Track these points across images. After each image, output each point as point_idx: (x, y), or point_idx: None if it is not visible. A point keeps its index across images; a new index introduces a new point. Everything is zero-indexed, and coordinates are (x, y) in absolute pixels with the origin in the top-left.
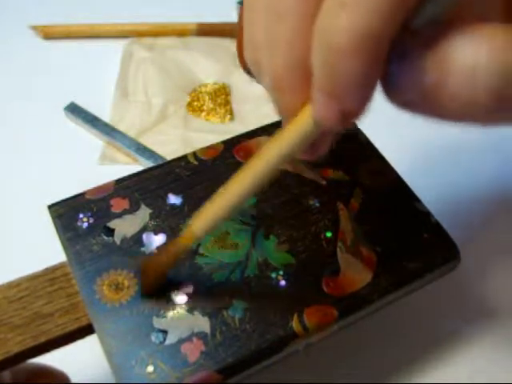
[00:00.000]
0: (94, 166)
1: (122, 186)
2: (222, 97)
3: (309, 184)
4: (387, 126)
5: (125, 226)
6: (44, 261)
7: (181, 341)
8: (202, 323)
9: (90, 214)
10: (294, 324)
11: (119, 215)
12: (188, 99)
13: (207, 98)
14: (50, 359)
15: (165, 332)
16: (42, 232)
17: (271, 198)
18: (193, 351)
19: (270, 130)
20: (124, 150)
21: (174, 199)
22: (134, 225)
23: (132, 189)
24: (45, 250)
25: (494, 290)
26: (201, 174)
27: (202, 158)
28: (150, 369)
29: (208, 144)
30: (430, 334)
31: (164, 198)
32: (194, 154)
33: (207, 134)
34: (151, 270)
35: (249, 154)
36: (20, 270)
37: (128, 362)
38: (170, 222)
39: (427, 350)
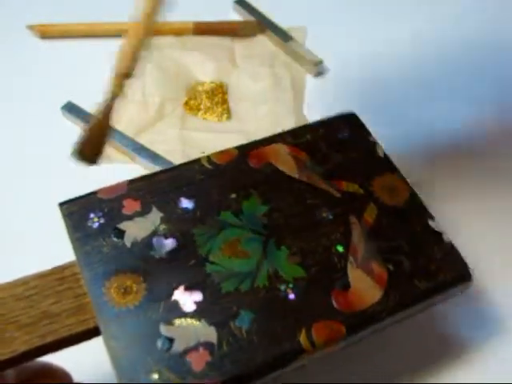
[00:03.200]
0: (92, 165)
1: (135, 187)
2: (219, 95)
3: (322, 195)
4: (405, 139)
5: (135, 229)
6: (48, 259)
7: (187, 349)
8: (209, 333)
9: (101, 213)
10: (302, 339)
11: (130, 217)
12: (185, 98)
13: (204, 96)
14: (53, 357)
15: (171, 339)
16: (41, 231)
17: (284, 208)
18: (198, 361)
19: (285, 137)
20: (121, 149)
21: (186, 203)
22: (144, 228)
23: (144, 190)
24: (45, 248)
25: (505, 305)
26: (214, 178)
27: (216, 162)
28: (155, 376)
29: (205, 142)
30: (435, 346)
31: (176, 201)
32: (208, 157)
33: (204, 132)
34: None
35: (263, 161)
36: (23, 269)
37: (133, 367)
38: (181, 226)
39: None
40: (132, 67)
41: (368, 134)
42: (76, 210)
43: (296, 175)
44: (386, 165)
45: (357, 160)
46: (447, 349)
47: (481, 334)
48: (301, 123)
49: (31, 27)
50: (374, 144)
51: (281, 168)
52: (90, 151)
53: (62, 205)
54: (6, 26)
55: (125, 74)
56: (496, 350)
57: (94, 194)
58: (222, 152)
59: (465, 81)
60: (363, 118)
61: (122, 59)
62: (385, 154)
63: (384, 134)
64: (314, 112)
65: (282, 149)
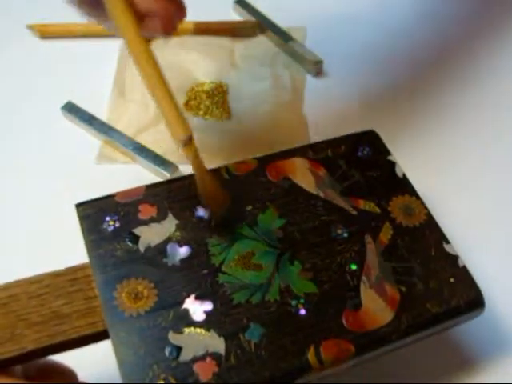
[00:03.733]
0: (92, 165)
1: (152, 192)
2: (219, 95)
3: (339, 212)
4: (427, 160)
5: (150, 235)
6: (45, 257)
7: (194, 359)
8: (218, 344)
9: (116, 217)
10: (310, 356)
11: (146, 222)
12: (185, 98)
13: (204, 96)
14: (59, 356)
15: (179, 348)
16: (38, 230)
17: (300, 223)
18: (205, 371)
19: (306, 151)
20: (121, 149)
21: (202, 212)
22: (159, 234)
23: (161, 196)
24: (43, 248)
25: None
26: (231, 188)
27: (234, 172)
28: (161, 383)
29: (205, 142)
30: (447, 363)
31: (192, 209)
32: (226, 168)
33: (204, 132)
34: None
35: (281, 174)
36: (36, 267)
37: (139, 373)
38: (196, 235)
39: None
40: (187, 128)
41: (388, 153)
42: (92, 213)
43: (314, 191)
44: (404, 185)
45: (375, 179)
46: (457, 366)
47: (494, 352)
48: (301, 123)
49: (31, 27)
50: (394, 164)
51: (299, 183)
52: (217, 207)
53: (78, 206)
54: (5, 25)
55: (186, 141)
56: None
57: (111, 196)
58: (240, 162)
59: None
60: (363, 119)
61: (173, 127)
62: (404, 175)
63: (382, 132)
64: (314, 112)
65: (302, 163)
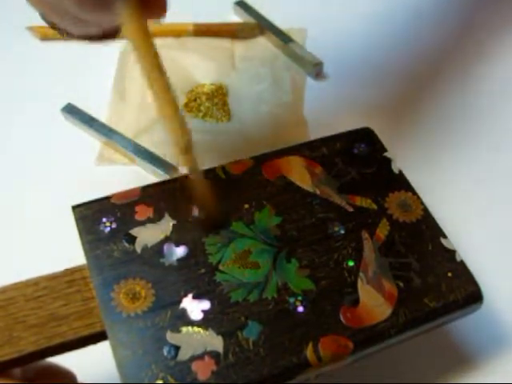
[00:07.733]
0: (92, 167)
1: (148, 193)
2: (219, 97)
3: (335, 209)
4: (422, 157)
5: (147, 235)
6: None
7: (192, 358)
8: (216, 342)
9: (113, 218)
10: (308, 353)
11: (142, 223)
12: (185, 100)
13: (204, 98)
14: (58, 357)
15: (177, 347)
16: (37, 232)
17: (296, 220)
18: (204, 370)
19: (301, 149)
20: (121, 151)
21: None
22: (156, 234)
23: (157, 197)
24: (41, 250)
25: None
26: (228, 188)
27: (230, 172)
28: (159, 382)
29: (205, 144)
30: (444, 359)
31: (189, 209)
32: (223, 167)
33: (204, 134)
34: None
35: (277, 173)
36: (34, 269)
37: (138, 373)
38: (193, 234)
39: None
40: (186, 137)
41: (384, 149)
42: (89, 214)
43: (310, 188)
44: (400, 181)
45: (371, 175)
46: (456, 363)
47: (492, 348)
48: (301, 125)
49: (31, 29)
50: (390, 160)
51: (295, 181)
52: (214, 221)
53: (75, 208)
54: (5, 27)
55: (186, 148)
56: (505, 365)
57: (107, 198)
58: (236, 162)
59: None
60: (363, 120)
61: (173, 133)
62: (400, 171)
63: (382, 132)
64: (314, 113)
65: (298, 161)
